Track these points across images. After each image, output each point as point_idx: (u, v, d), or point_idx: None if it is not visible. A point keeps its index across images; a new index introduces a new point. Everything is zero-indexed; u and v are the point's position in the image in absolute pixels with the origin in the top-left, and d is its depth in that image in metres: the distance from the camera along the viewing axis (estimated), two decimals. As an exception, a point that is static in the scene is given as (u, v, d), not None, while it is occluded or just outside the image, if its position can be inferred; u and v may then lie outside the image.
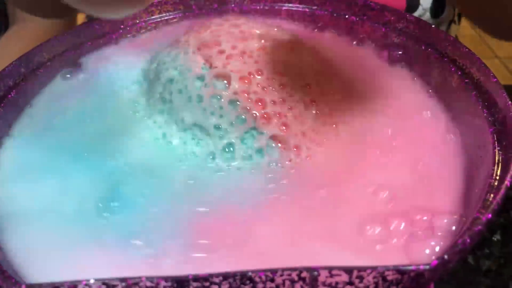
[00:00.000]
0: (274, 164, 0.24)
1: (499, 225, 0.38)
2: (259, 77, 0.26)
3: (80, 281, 0.16)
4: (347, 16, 0.34)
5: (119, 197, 0.22)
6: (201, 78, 0.26)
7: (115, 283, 0.16)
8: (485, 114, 0.24)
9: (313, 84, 0.27)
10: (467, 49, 0.27)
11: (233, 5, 0.36)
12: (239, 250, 0.20)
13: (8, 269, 0.18)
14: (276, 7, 0.37)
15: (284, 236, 0.21)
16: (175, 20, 0.36)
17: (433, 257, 0.17)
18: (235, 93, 0.25)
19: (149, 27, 0.36)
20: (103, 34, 0.34)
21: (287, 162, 0.25)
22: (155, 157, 0.25)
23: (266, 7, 0.36)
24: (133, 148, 0.25)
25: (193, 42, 0.28)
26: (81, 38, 0.33)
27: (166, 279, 0.16)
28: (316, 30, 0.35)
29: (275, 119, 0.25)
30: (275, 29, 0.30)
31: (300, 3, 0.36)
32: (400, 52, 0.32)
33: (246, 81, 0.26)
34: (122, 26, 0.35)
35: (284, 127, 0.25)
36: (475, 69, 0.26)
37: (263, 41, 0.28)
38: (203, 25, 0.29)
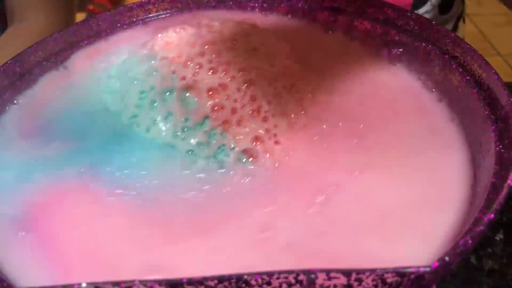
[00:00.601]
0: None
1: (502, 225, 0.37)
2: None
3: (72, 285, 0.16)
4: (346, 12, 0.34)
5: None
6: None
7: (107, 286, 0.16)
8: (486, 112, 0.24)
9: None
10: (468, 46, 0.27)
11: (231, 3, 0.36)
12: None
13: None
14: (275, 4, 0.36)
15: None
16: (171, 17, 0.36)
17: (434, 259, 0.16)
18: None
19: (146, 25, 0.36)
20: (99, 32, 0.34)
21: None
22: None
23: (265, 4, 0.36)
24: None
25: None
26: (77, 37, 0.33)
27: (160, 282, 0.16)
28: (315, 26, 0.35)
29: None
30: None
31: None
32: (400, 50, 0.31)
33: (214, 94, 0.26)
34: (119, 25, 0.35)
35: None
36: (476, 66, 0.26)
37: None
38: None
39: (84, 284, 0.16)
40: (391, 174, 0.24)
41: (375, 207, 0.22)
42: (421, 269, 0.16)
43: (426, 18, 0.30)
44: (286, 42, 0.31)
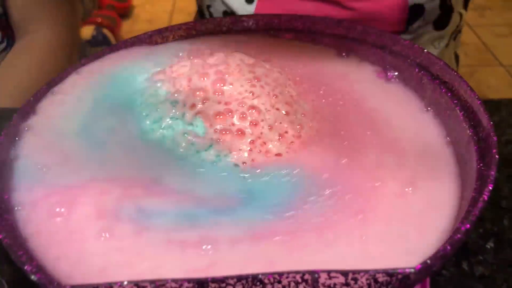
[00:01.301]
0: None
1: (492, 234, 0.40)
2: None
3: (115, 283, 0.19)
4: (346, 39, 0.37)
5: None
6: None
7: (145, 284, 0.19)
8: (470, 133, 0.27)
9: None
10: (455, 73, 0.30)
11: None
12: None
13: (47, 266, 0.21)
14: (282, 31, 0.40)
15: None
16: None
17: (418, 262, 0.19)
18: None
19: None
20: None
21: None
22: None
23: (271, 31, 0.39)
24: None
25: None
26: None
27: (189, 281, 0.19)
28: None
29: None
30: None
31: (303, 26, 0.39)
32: (396, 73, 0.35)
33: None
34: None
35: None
36: (462, 91, 0.29)
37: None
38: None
39: (125, 282, 0.19)
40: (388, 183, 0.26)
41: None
42: (407, 270, 0.19)
43: (419, 46, 0.33)
44: (289, 70, 0.34)
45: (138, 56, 0.36)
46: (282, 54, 0.36)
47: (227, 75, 0.31)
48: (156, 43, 0.39)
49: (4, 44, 0.65)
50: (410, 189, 0.26)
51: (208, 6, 0.60)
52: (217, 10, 0.59)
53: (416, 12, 0.55)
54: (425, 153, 0.29)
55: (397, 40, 0.34)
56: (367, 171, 0.27)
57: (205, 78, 0.31)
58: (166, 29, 0.39)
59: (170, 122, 0.30)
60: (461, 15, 0.61)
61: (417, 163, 0.28)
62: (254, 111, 0.30)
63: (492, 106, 0.53)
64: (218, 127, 0.29)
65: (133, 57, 0.36)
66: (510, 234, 0.40)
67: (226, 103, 0.30)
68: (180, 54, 0.36)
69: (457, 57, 0.67)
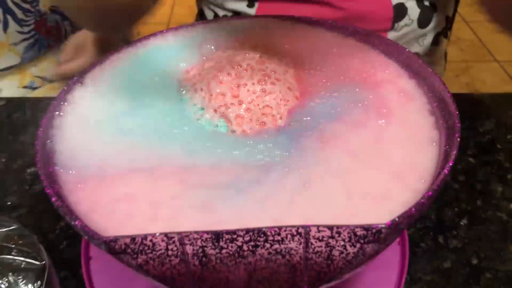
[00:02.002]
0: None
1: (466, 212, 0.46)
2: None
3: (149, 234, 0.24)
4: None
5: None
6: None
7: (172, 235, 0.24)
8: (441, 121, 0.32)
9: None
10: (431, 70, 0.34)
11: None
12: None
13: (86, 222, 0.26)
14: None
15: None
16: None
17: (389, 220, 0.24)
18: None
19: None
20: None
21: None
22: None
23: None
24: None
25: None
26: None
27: (207, 232, 0.24)
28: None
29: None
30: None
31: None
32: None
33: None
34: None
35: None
36: (437, 85, 0.34)
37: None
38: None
39: (157, 233, 0.24)
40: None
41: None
42: (379, 226, 0.24)
43: (400, 45, 0.38)
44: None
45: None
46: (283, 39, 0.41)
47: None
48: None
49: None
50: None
51: (211, 8, 0.64)
52: (219, 13, 0.63)
53: (400, 10, 0.59)
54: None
55: (382, 40, 0.39)
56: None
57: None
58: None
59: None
60: (447, 18, 0.66)
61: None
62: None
63: (476, 99, 0.58)
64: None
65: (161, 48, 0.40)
66: (482, 213, 0.46)
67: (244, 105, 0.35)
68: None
69: (445, 55, 0.72)
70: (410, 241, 0.41)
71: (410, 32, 0.62)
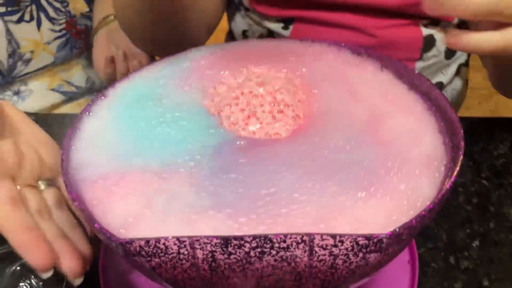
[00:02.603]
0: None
1: (479, 234, 0.46)
2: None
3: (162, 237, 0.25)
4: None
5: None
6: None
7: (184, 239, 0.25)
8: (447, 140, 0.33)
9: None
10: (442, 95, 0.35)
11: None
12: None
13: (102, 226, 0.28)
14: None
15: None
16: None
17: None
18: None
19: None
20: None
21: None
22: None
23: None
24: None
25: None
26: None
27: (216, 237, 0.25)
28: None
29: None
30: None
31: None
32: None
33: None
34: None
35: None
36: (444, 107, 0.35)
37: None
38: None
39: (170, 237, 0.25)
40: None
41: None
42: (381, 235, 0.25)
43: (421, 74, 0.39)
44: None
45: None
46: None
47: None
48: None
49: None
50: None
51: (244, 31, 0.67)
52: (254, 34, 0.66)
53: (429, 41, 0.61)
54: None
55: (404, 67, 0.40)
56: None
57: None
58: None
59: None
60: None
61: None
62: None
63: (490, 123, 0.59)
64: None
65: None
66: (495, 235, 0.46)
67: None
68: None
69: (466, 81, 0.74)
70: (420, 261, 0.41)
71: (437, 63, 0.64)
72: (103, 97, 0.39)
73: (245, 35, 0.68)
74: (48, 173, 0.36)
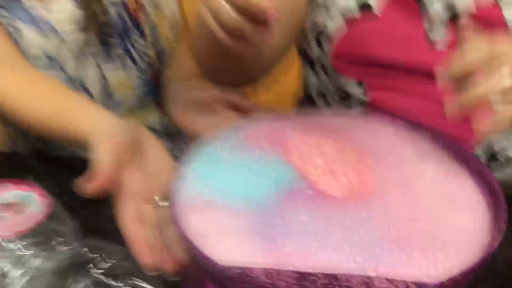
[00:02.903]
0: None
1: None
2: None
3: (254, 268, 0.32)
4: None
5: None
6: None
7: (271, 271, 0.32)
8: (491, 209, 0.38)
9: None
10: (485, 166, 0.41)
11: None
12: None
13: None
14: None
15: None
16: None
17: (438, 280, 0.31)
18: None
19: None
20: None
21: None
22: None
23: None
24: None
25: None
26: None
27: (295, 272, 0.32)
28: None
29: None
30: None
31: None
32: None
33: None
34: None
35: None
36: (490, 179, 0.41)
37: None
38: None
39: (260, 267, 0.32)
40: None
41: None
42: (430, 284, 0.30)
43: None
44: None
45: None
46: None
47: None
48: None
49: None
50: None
51: (324, 96, 0.70)
52: (334, 97, 0.68)
53: None
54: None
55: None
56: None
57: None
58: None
59: None
60: None
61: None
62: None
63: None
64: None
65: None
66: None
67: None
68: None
69: None
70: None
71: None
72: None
73: (325, 99, 0.70)
74: (165, 191, 0.45)
